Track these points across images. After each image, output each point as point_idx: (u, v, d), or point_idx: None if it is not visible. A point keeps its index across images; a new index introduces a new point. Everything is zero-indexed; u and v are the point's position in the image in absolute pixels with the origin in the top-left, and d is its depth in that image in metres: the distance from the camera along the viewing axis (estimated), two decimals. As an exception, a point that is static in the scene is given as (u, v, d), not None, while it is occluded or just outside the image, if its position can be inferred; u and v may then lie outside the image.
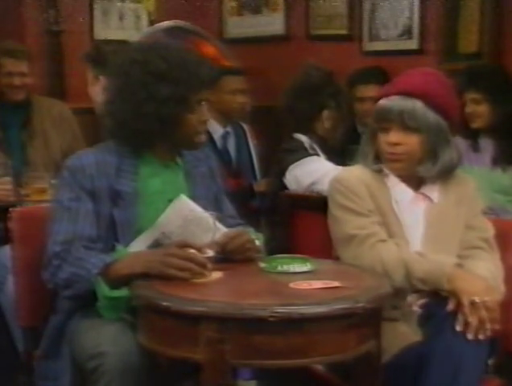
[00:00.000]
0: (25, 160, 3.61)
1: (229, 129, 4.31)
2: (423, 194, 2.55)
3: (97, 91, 3.76)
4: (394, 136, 2.47)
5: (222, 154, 4.21)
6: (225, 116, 4.26)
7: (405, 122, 2.45)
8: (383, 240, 2.44)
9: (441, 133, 2.49)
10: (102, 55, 3.73)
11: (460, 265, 2.41)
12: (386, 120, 2.48)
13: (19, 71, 3.70)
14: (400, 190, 2.53)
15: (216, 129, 4.24)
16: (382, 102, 2.50)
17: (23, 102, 3.73)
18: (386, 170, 2.55)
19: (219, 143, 4.25)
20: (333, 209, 2.53)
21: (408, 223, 2.51)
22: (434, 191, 2.55)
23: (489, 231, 2.55)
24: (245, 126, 4.45)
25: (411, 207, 2.52)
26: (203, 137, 2.46)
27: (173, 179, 2.46)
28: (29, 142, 3.68)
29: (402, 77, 2.57)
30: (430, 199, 2.55)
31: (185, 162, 2.51)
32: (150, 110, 2.33)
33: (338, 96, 3.53)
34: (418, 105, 2.45)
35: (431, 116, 2.46)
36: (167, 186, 2.43)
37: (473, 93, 3.63)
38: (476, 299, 2.22)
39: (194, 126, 2.41)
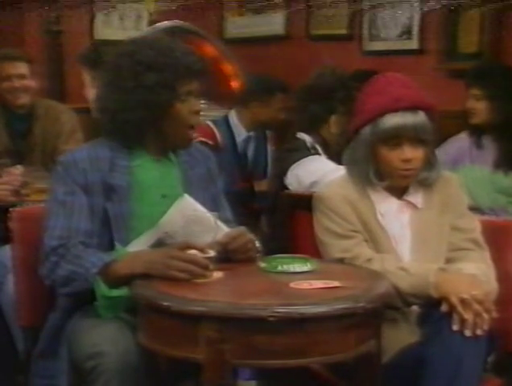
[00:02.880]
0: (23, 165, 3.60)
1: (251, 133, 4.33)
2: (407, 201, 2.54)
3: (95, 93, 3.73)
4: (409, 151, 2.46)
5: (240, 157, 4.24)
6: (264, 128, 4.32)
7: (418, 136, 2.44)
8: (369, 260, 2.43)
9: (434, 141, 2.51)
10: (101, 57, 3.71)
11: (444, 269, 2.40)
12: (398, 136, 2.45)
13: (18, 73, 3.66)
14: (384, 201, 2.53)
15: (241, 133, 4.27)
16: (392, 118, 2.44)
17: (27, 110, 3.70)
18: (374, 181, 2.52)
19: (240, 146, 4.27)
20: (318, 232, 2.54)
21: (395, 234, 2.51)
22: (418, 197, 2.55)
23: (476, 230, 2.54)
24: (269, 133, 4.46)
25: (397, 217, 2.52)
26: (193, 133, 2.43)
27: (167, 174, 2.44)
28: (28, 154, 3.65)
29: (395, 89, 2.48)
30: (414, 206, 2.54)
31: (181, 162, 2.48)
32: (138, 98, 2.32)
33: (349, 101, 3.45)
34: (424, 118, 2.45)
35: (431, 126, 2.47)
36: (160, 180, 2.41)
37: (475, 89, 3.66)
38: (465, 295, 2.22)
39: (184, 117, 2.38)
